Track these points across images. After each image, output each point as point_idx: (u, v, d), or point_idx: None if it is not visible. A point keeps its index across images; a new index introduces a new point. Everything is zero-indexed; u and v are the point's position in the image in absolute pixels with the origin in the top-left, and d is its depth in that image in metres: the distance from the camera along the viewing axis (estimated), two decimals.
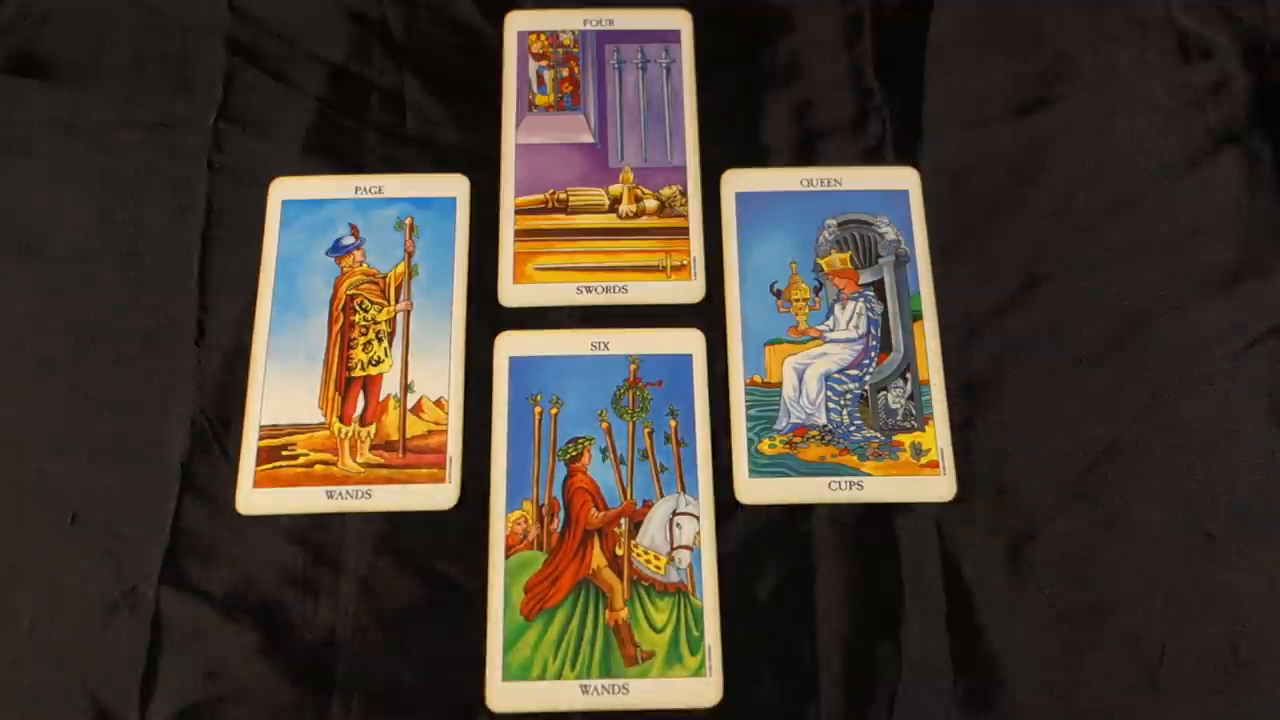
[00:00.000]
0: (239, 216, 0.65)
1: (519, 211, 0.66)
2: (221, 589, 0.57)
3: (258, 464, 0.59)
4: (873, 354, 0.63)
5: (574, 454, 0.60)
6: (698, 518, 0.58)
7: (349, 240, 0.65)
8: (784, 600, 0.57)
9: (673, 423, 0.60)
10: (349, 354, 0.62)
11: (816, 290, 0.64)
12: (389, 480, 0.59)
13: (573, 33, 0.70)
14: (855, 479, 0.59)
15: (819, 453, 0.60)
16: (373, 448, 0.60)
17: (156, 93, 0.67)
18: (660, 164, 0.67)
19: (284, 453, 0.60)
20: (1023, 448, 0.60)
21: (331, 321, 0.63)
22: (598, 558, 0.58)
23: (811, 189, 0.66)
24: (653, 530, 0.58)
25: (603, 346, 0.62)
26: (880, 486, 0.59)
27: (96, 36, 0.69)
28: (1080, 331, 0.62)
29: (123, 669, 0.56)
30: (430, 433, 0.60)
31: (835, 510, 0.59)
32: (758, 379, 0.62)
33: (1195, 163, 0.66)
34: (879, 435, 0.61)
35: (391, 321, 0.63)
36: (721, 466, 0.60)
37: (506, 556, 0.58)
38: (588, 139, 0.68)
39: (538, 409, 0.61)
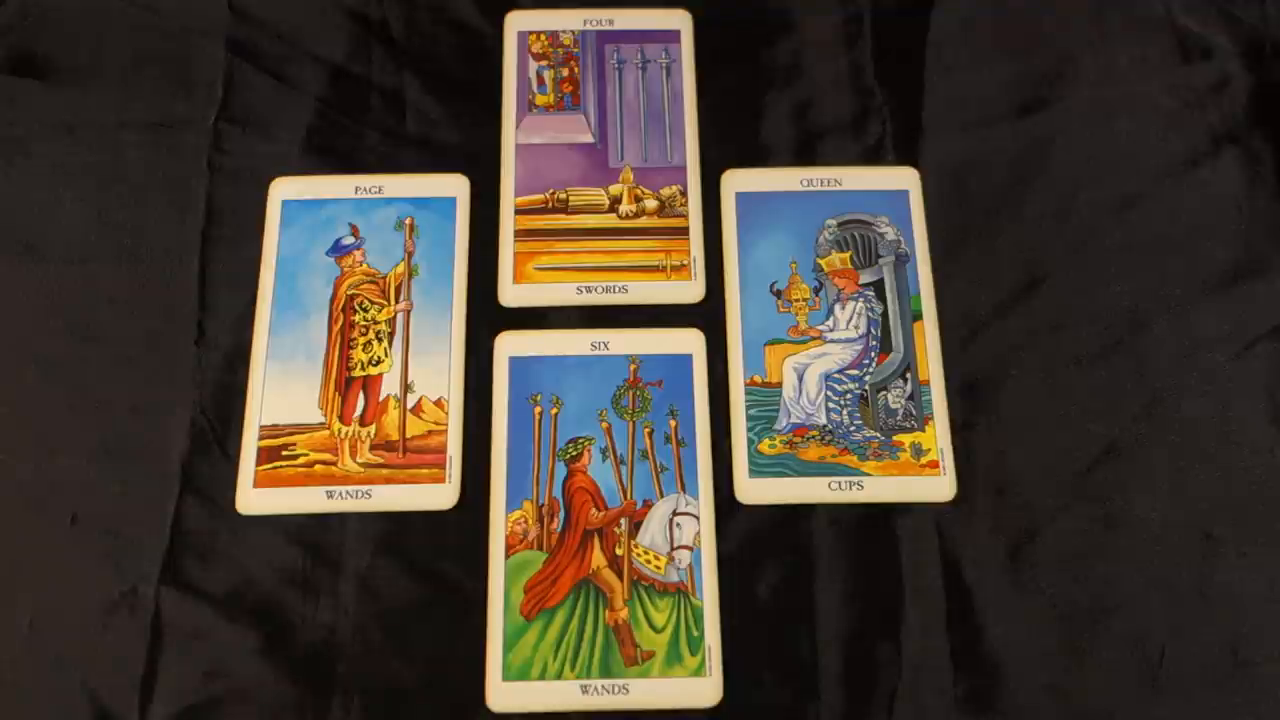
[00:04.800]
0: (239, 216, 0.65)
1: (519, 211, 0.66)
2: (221, 589, 0.57)
3: (258, 464, 0.59)
4: (873, 354, 0.63)
5: (574, 454, 0.60)
6: (698, 518, 0.58)
7: (349, 240, 0.65)
8: (784, 600, 0.57)
9: (673, 423, 0.60)
10: (349, 354, 0.62)
11: (816, 290, 0.64)
12: (389, 480, 0.59)
13: (573, 33, 0.70)
14: (855, 479, 0.59)
15: (819, 453, 0.60)
16: (373, 448, 0.60)
17: (156, 93, 0.67)
18: (660, 164, 0.67)
19: (284, 453, 0.60)
20: (1023, 448, 0.60)
21: (331, 321, 0.63)
22: (598, 558, 0.58)
23: (811, 189, 0.66)
24: (653, 530, 0.58)
25: (603, 346, 0.62)
26: (880, 486, 0.59)
27: (96, 36, 0.69)
28: (1080, 331, 0.62)
29: (123, 669, 0.56)
30: (430, 433, 0.60)
31: (835, 510, 0.59)
32: (758, 379, 0.62)
33: (1195, 163, 0.66)
34: (879, 435, 0.61)
35: (391, 321, 0.63)
36: (722, 466, 0.60)
37: (506, 556, 0.58)
38: (588, 139, 0.68)
39: (538, 409, 0.61)
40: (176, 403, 0.61)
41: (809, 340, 0.63)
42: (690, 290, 0.64)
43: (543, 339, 0.63)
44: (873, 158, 0.67)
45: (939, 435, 0.60)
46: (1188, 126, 0.67)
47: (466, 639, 0.56)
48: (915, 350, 0.62)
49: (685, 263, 0.65)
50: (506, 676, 0.55)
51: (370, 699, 0.55)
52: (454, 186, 0.66)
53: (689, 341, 0.62)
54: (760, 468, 0.60)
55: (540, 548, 0.58)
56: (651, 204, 0.66)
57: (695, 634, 0.56)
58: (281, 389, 0.61)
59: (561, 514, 0.59)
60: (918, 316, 0.63)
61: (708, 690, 0.56)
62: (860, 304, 0.64)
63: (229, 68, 0.68)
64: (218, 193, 0.65)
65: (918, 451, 0.60)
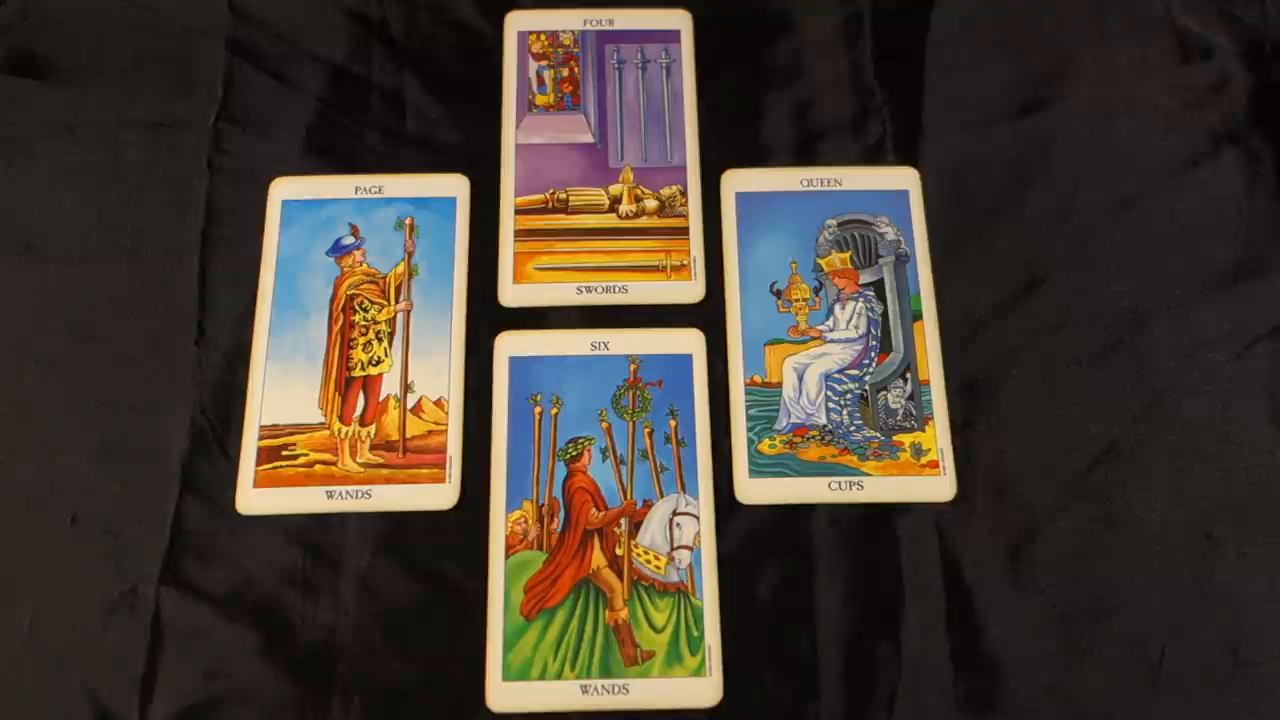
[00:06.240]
0: (239, 216, 0.65)
1: (519, 211, 0.66)
2: (221, 589, 0.57)
3: (258, 464, 0.59)
4: (873, 354, 0.63)
5: (574, 454, 0.60)
6: (698, 518, 0.58)
7: (349, 240, 0.65)
8: (784, 600, 0.57)
9: (673, 423, 0.60)
10: (349, 354, 0.62)
11: (816, 290, 0.64)
12: (389, 480, 0.59)
13: (573, 33, 0.70)
14: (855, 479, 0.59)
15: (819, 453, 0.60)
16: (373, 448, 0.60)
17: (156, 93, 0.67)
18: (660, 164, 0.67)
19: (284, 453, 0.60)
20: (1023, 448, 0.60)
21: (331, 321, 0.63)
22: (598, 558, 0.58)
23: (811, 189, 0.66)
24: (653, 530, 0.58)
25: (603, 346, 0.62)
26: (880, 486, 0.59)
27: (96, 36, 0.69)
28: (1080, 331, 0.62)
29: (123, 669, 0.56)
30: (430, 433, 0.60)
31: (835, 510, 0.59)
32: (758, 379, 0.62)
33: (1195, 163, 0.66)
34: (879, 435, 0.61)
35: (391, 321, 0.63)
36: (722, 466, 0.60)
37: (506, 556, 0.58)
38: (588, 139, 0.68)
39: (537, 409, 0.61)
40: (176, 403, 0.61)
41: (809, 340, 0.63)
42: (690, 290, 0.64)
43: (543, 339, 0.63)
44: (873, 158, 0.67)
45: (939, 435, 0.60)
46: (1188, 126, 0.67)
47: (466, 639, 0.56)
48: (915, 350, 0.62)
49: (685, 263, 0.65)
50: (506, 676, 0.55)
51: (370, 699, 0.55)
52: (454, 186, 0.66)
53: (689, 341, 0.62)
54: (760, 468, 0.60)
55: (540, 548, 0.58)
56: (651, 204, 0.66)
57: (695, 634, 0.56)
58: (281, 389, 0.61)
59: (561, 514, 0.59)
60: (918, 316, 0.63)
61: (708, 690, 0.56)
62: (860, 304, 0.64)
63: (229, 68, 0.68)
64: (218, 193, 0.65)
65: (918, 451, 0.60)
